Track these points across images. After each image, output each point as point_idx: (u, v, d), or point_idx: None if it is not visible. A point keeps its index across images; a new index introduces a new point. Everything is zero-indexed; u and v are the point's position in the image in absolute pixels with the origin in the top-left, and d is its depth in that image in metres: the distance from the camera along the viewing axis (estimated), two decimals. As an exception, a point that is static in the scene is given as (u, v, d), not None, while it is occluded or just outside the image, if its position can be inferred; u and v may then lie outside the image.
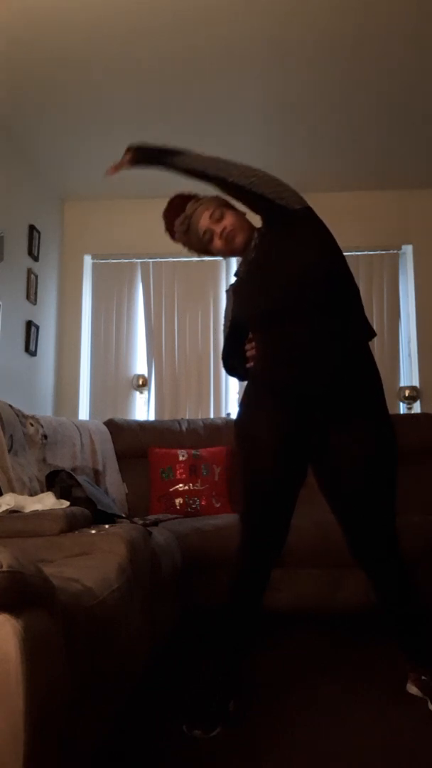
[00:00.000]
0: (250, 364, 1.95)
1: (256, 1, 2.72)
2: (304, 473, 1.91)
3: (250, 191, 1.83)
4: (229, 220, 1.92)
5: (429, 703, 1.82)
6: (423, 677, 1.87)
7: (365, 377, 1.88)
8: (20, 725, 0.94)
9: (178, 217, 1.95)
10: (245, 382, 2.01)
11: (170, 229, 1.99)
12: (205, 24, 2.84)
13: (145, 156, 1.96)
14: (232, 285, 2.05)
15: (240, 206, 1.95)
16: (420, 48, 2.99)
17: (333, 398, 1.81)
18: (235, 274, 2.03)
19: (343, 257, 1.88)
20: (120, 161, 1.98)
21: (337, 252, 1.86)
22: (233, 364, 2.10)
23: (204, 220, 1.92)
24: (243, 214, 1.96)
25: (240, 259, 2.00)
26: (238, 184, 1.83)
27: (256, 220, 1.97)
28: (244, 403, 1.95)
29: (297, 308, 1.80)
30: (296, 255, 1.81)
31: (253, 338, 1.95)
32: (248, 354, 1.95)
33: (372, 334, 1.91)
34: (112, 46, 2.98)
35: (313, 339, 1.79)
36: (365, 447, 1.81)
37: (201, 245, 1.97)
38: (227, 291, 2.09)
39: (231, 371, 2.15)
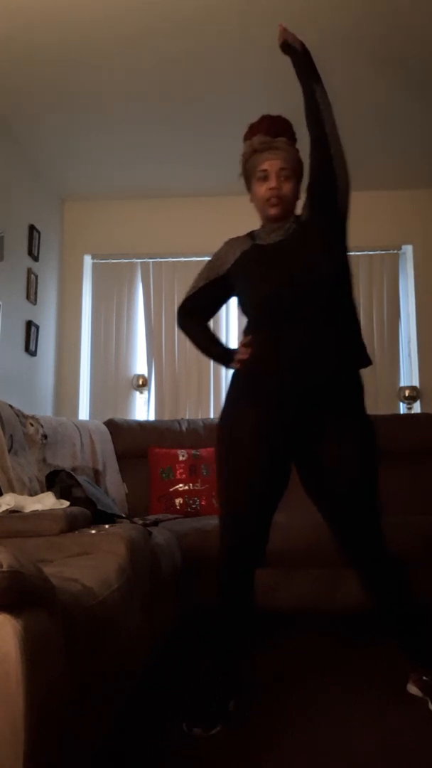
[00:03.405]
0: (237, 365, 1.93)
1: (256, 2, 2.72)
2: (287, 478, 1.91)
3: (333, 171, 1.86)
4: (288, 188, 1.91)
5: (429, 704, 1.82)
6: (424, 677, 1.87)
7: (354, 380, 1.90)
8: (20, 725, 0.94)
9: (266, 135, 1.91)
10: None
11: (250, 134, 1.96)
12: (206, 24, 2.84)
13: (307, 55, 1.96)
14: (245, 243, 1.99)
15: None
16: (420, 48, 2.99)
17: (326, 401, 1.83)
18: (252, 239, 1.98)
19: (351, 273, 1.93)
20: (289, 35, 1.96)
21: (349, 267, 1.93)
22: (190, 323, 2.09)
23: (272, 166, 1.89)
24: (298, 196, 1.95)
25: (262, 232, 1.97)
26: (333, 161, 1.86)
27: None
28: (228, 406, 1.93)
29: (306, 309, 1.82)
30: (321, 258, 1.86)
31: (247, 339, 1.93)
32: (240, 356, 1.92)
33: (369, 362, 1.92)
34: (113, 46, 2.98)
35: (315, 345, 1.81)
36: (351, 447, 1.83)
37: (247, 172, 1.95)
38: (231, 241, 2.03)
39: (183, 323, 2.12)
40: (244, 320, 2.02)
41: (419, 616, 1.88)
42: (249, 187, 1.98)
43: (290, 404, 1.84)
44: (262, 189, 1.92)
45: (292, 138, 1.95)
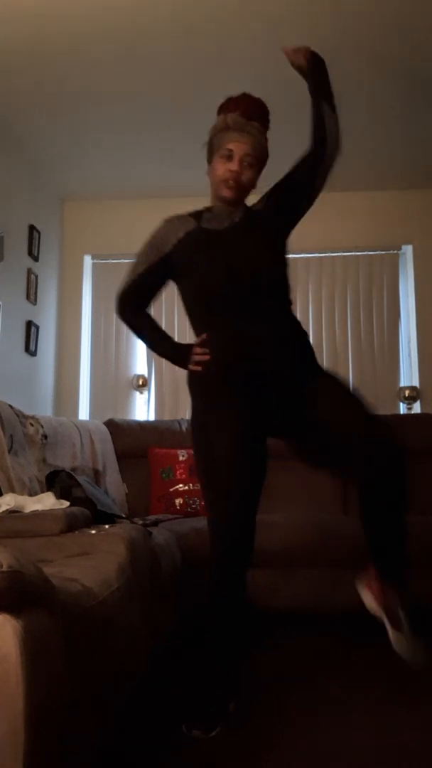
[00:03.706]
0: (197, 368, 1.86)
1: (255, 2, 2.72)
2: (265, 470, 1.87)
3: (312, 188, 1.91)
4: (248, 176, 1.89)
5: (388, 626, 1.75)
6: (390, 595, 1.79)
7: (309, 354, 1.92)
8: (20, 725, 0.94)
9: (242, 116, 1.88)
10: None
11: (225, 108, 1.93)
12: (206, 25, 2.84)
13: (317, 71, 1.98)
14: (188, 223, 1.93)
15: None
16: (420, 48, 2.99)
17: (291, 381, 1.82)
18: (197, 220, 1.94)
19: (289, 272, 1.97)
20: (297, 52, 1.99)
21: (288, 265, 1.96)
22: (131, 312, 2.02)
23: (239, 148, 1.85)
24: (255, 186, 1.93)
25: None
26: (317, 178, 1.91)
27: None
28: (198, 410, 1.89)
29: (256, 299, 1.83)
30: (266, 251, 1.88)
31: (201, 338, 1.87)
32: (198, 358, 1.86)
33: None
34: (113, 47, 2.98)
35: (272, 333, 1.82)
36: (324, 386, 1.84)
37: (212, 145, 1.91)
38: (173, 219, 1.96)
39: (124, 313, 2.03)
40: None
41: (403, 525, 1.83)
42: (209, 159, 1.94)
43: (261, 396, 1.81)
44: (222, 168, 1.88)
45: (265, 125, 1.93)
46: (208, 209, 1.97)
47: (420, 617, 1.88)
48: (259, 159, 1.90)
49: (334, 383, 1.88)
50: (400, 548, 1.83)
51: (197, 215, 1.96)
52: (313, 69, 1.97)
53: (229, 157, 1.87)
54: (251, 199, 1.98)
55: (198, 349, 1.86)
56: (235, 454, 1.80)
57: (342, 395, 1.85)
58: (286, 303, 1.93)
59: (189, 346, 1.91)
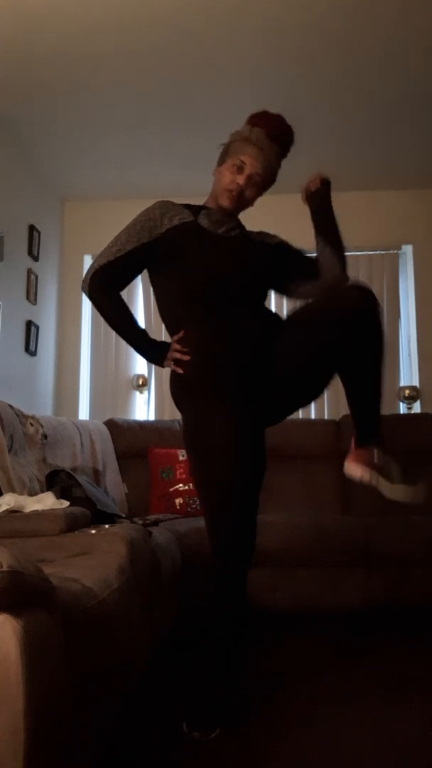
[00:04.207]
0: (178, 369, 1.80)
1: (256, 3, 2.72)
2: (263, 467, 1.84)
3: (291, 295, 2.01)
4: (251, 193, 1.89)
5: (384, 483, 1.77)
6: (379, 454, 1.80)
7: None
8: (20, 725, 0.94)
9: (266, 134, 1.86)
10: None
11: (256, 120, 1.90)
12: (206, 24, 2.84)
13: (320, 206, 1.96)
14: (183, 213, 1.91)
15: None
16: (420, 48, 2.99)
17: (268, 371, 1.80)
18: (193, 215, 1.92)
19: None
20: (309, 189, 1.97)
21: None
22: (104, 294, 1.88)
23: (251, 165, 1.85)
24: (252, 204, 1.94)
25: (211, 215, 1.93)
26: (296, 295, 1.99)
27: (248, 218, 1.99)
28: (189, 410, 1.85)
29: (243, 299, 1.83)
30: (259, 265, 1.91)
31: (180, 335, 1.81)
32: (175, 355, 1.79)
33: None
34: (112, 47, 2.98)
35: (257, 328, 1.81)
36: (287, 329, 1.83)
37: (228, 149, 1.91)
38: (167, 203, 1.92)
39: (97, 293, 1.88)
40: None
41: (380, 376, 1.79)
42: (221, 161, 1.93)
43: (250, 391, 1.79)
44: (229, 177, 1.88)
45: (284, 152, 1.93)
46: (205, 208, 1.96)
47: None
48: (266, 181, 1.90)
49: (291, 324, 1.84)
50: (378, 402, 1.82)
51: (194, 210, 1.95)
52: (316, 210, 1.97)
53: (240, 169, 1.87)
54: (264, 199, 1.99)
55: (177, 346, 1.80)
56: (236, 453, 1.76)
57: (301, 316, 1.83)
58: (266, 308, 1.94)
59: (166, 344, 1.85)
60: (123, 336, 1.92)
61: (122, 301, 1.91)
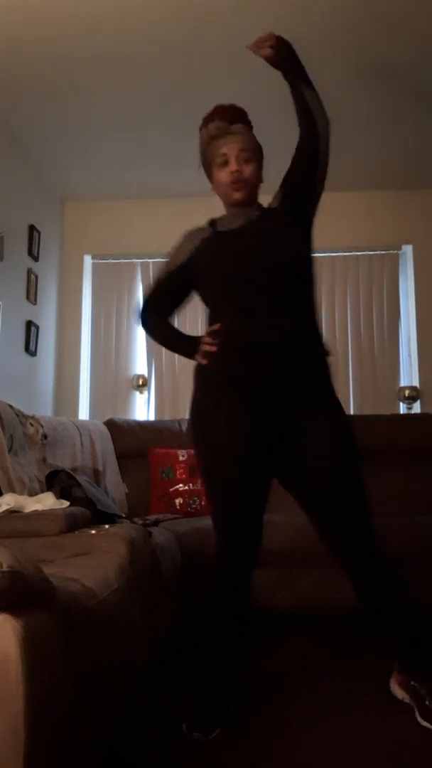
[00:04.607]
0: (203, 359, 1.83)
1: (256, 3, 2.72)
2: (272, 470, 1.83)
3: (318, 168, 1.90)
4: (250, 170, 1.88)
5: (417, 714, 1.74)
6: (413, 683, 1.80)
7: (324, 368, 1.86)
8: (20, 725, 0.94)
9: (222, 122, 1.88)
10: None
11: (206, 122, 1.93)
12: (206, 24, 2.84)
13: (285, 57, 1.93)
14: (204, 231, 1.95)
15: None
16: (420, 48, 2.99)
17: (298, 390, 1.78)
18: (213, 227, 1.94)
19: (314, 267, 1.92)
20: (261, 44, 1.95)
21: (313, 261, 1.91)
22: (153, 321, 2.01)
23: (232, 149, 1.86)
24: (261, 179, 1.93)
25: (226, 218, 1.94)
26: (319, 155, 1.90)
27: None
28: (200, 404, 1.85)
29: (269, 295, 1.78)
30: (287, 245, 1.85)
31: (211, 329, 1.83)
32: (206, 348, 1.81)
33: (328, 353, 1.89)
34: (112, 46, 2.98)
35: (283, 331, 1.77)
36: (325, 436, 1.77)
37: (206, 161, 1.92)
38: (191, 232, 1.97)
39: (146, 322, 2.04)
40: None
41: (418, 619, 1.81)
42: (210, 176, 1.94)
43: (264, 394, 1.77)
44: (223, 174, 1.88)
45: (248, 124, 1.94)
46: (223, 215, 1.97)
47: (421, 620, 1.85)
48: (254, 153, 1.90)
49: (333, 427, 1.79)
50: (412, 632, 1.81)
51: (213, 222, 1.97)
52: (282, 56, 1.94)
53: (226, 162, 1.87)
54: (264, 199, 1.98)
55: (207, 339, 1.83)
56: (241, 448, 1.76)
57: (335, 452, 1.77)
58: (305, 301, 1.85)
59: (198, 337, 1.88)
60: (169, 349, 2.05)
61: (166, 323, 2.03)
